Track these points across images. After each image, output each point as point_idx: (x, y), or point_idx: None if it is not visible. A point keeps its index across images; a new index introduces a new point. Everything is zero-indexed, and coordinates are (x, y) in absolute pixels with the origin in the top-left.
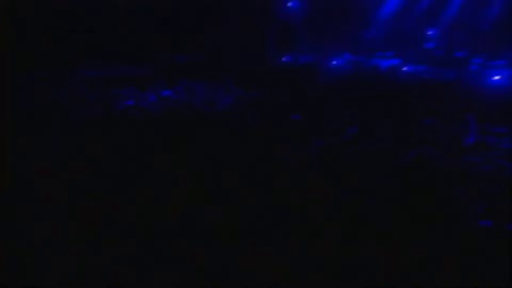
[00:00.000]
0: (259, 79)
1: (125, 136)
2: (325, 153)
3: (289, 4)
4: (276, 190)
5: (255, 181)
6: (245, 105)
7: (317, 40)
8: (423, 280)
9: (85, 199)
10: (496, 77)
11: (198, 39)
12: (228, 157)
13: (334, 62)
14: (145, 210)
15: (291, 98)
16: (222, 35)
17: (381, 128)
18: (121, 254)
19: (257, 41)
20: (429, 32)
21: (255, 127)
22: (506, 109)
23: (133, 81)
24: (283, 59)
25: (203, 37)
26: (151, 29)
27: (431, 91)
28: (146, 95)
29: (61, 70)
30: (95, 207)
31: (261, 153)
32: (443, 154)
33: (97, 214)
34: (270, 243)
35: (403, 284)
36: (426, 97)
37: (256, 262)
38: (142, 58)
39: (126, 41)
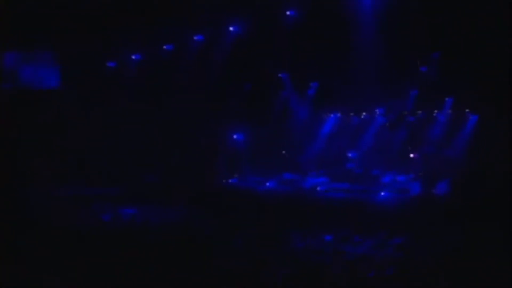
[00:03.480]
0: (209, 198)
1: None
2: None
3: (235, 136)
4: None
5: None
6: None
7: (261, 164)
8: None
9: None
10: (382, 193)
11: (160, 165)
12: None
13: (268, 184)
14: None
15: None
16: (180, 162)
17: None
18: None
19: (209, 166)
20: (350, 155)
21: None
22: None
23: (107, 199)
24: (230, 181)
25: (167, 163)
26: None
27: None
28: (113, 212)
29: (49, 187)
30: None
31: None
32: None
33: None
34: None
35: None
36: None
37: None
38: (115, 180)
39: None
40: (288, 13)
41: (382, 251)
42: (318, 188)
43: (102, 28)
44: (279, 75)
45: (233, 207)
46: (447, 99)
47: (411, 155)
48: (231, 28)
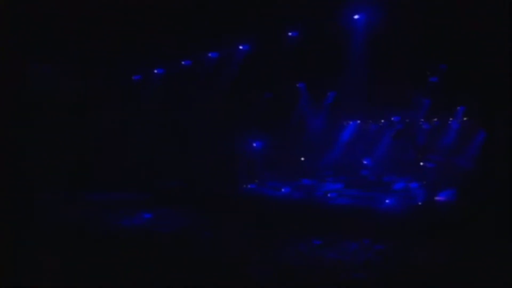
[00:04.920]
0: (228, 204)
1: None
2: None
3: (254, 144)
4: None
5: None
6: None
7: (281, 170)
8: None
9: None
10: (387, 201)
11: (184, 171)
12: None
13: (282, 190)
14: None
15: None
16: (204, 169)
17: None
18: None
19: (230, 173)
20: (365, 162)
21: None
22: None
23: (127, 204)
24: (249, 186)
25: (189, 169)
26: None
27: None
28: (132, 217)
29: (70, 193)
30: None
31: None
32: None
33: None
34: None
35: None
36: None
37: None
38: (135, 186)
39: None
40: (290, 34)
41: (362, 256)
42: (329, 195)
43: (129, 44)
44: (297, 85)
45: (241, 211)
46: (458, 108)
47: (421, 163)
48: (240, 47)
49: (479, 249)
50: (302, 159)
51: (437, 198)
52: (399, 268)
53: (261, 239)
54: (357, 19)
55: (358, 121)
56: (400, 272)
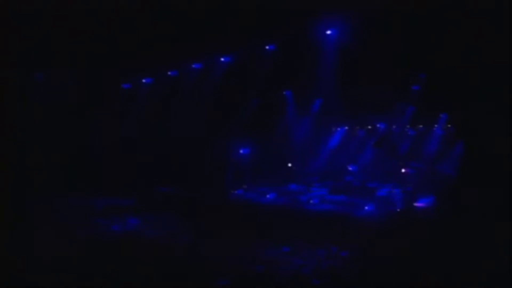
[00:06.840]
0: (214, 209)
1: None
2: None
3: (241, 151)
4: None
5: None
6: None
7: (269, 176)
8: None
9: None
10: (366, 207)
11: (172, 177)
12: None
13: (268, 196)
14: None
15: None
16: (193, 175)
17: None
18: None
19: (218, 178)
20: (350, 168)
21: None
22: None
23: (117, 210)
24: (236, 192)
25: (177, 175)
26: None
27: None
28: (121, 222)
29: (65, 199)
30: None
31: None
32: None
33: None
34: None
35: None
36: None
37: None
38: (124, 192)
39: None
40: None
41: (326, 262)
42: (311, 201)
43: (118, 56)
44: (284, 92)
45: (225, 216)
46: (441, 115)
47: (403, 170)
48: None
49: (449, 258)
50: (290, 165)
51: (416, 204)
52: (359, 276)
53: (233, 245)
54: (341, 29)
55: (346, 128)
56: (359, 279)
